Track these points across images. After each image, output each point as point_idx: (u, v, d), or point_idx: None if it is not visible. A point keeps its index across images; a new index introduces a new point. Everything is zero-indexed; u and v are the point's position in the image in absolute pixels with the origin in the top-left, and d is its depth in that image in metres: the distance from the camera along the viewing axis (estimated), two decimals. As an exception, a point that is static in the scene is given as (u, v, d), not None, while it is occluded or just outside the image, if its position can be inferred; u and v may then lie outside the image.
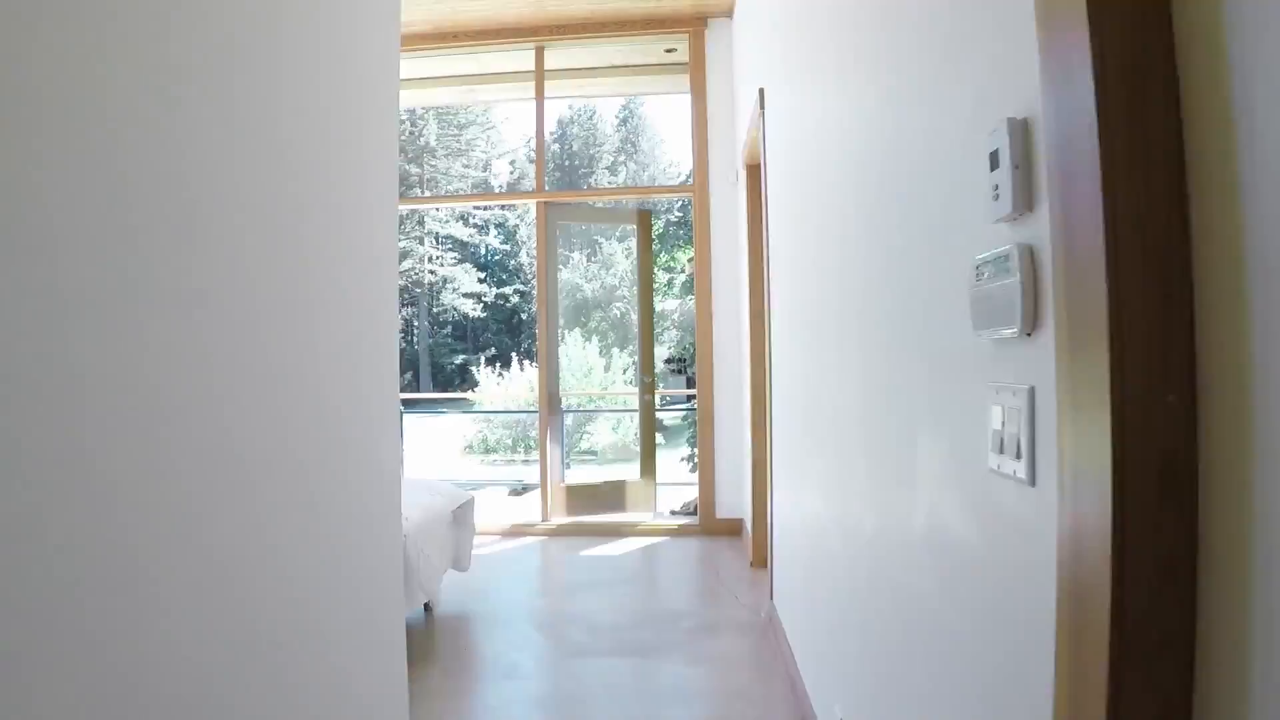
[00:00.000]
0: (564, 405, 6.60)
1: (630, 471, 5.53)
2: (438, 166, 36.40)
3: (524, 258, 33.52)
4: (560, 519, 5.13)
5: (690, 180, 5.01)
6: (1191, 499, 0.56)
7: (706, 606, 3.57)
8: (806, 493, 2.48)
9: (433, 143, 35.19)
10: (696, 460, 9.55)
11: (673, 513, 5.55)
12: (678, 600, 3.72)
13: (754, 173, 4.14)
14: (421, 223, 35.83)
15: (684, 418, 13.40)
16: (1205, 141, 0.55)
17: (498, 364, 22.59)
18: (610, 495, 5.31)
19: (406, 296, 35.94)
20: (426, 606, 3.46)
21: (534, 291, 33.03)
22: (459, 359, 32.85)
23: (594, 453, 16.46)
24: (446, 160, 36.37)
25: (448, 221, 36.28)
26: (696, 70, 4.96)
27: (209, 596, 0.99)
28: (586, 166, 32.01)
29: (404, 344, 35.93)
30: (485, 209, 36.43)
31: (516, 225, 33.93)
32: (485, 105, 29.61)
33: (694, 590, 3.87)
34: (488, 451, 19.16)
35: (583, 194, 5.30)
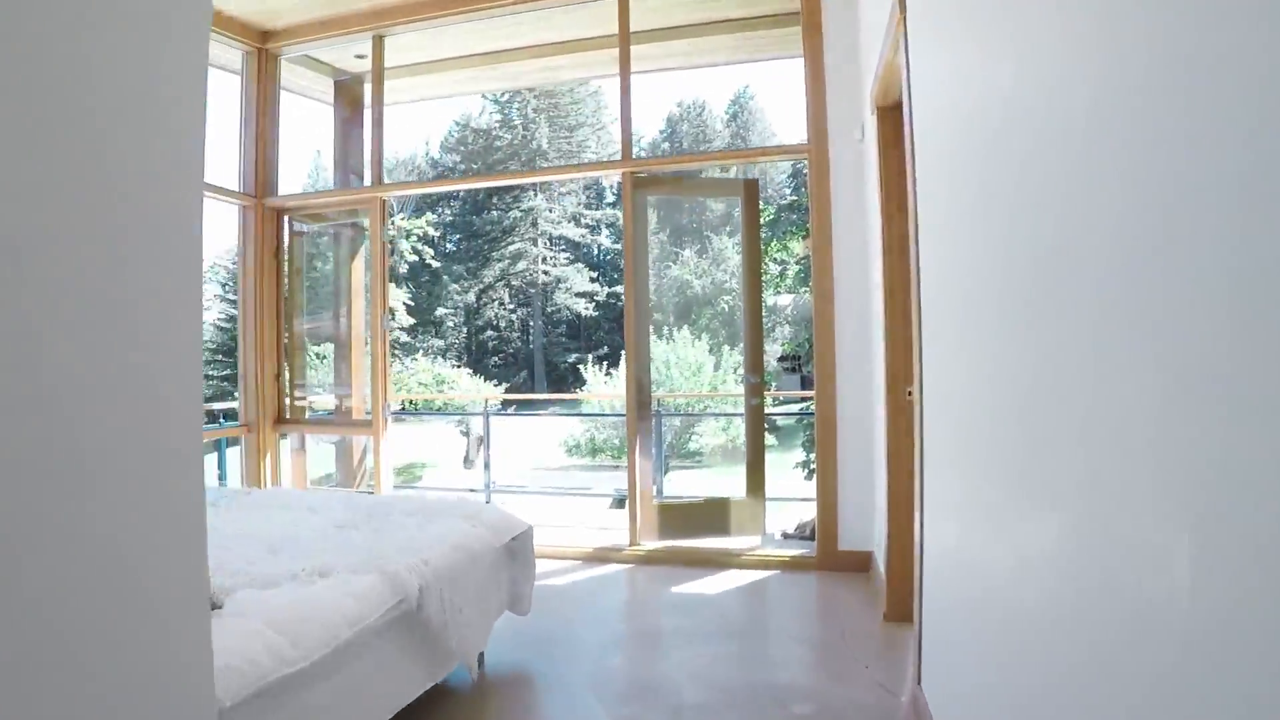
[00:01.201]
0: (661, 408, 5.88)
1: (735, 483, 4.72)
2: (550, 170, 36.68)
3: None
4: (651, 543, 4.37)
5: (806, 140, 4.12)
6: None
7: (825, 680, 2.72)
8: (1005, 538, 1.61)
9: (545, 146, 35.51)
10: (814, 469, 8.61)
11: (785, 536, 4.69)
12: (787, 668, 2.88)
13: (889, 116, 3.24)
14: (535, 224, 36.23)
15: (798, 420, 12.36)
16: None
17: (605, 363, 22.19)
18: (710, 516, 4.51)
19: (521, 297, 36.45)
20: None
21: (647, 290, 32.63)
22: (572, 357, 32.96)
23: (700, 454, 15.62)
24: (559, 162, 36.60)
25: (560, 223, 36.55)
26: (809, 2, 4.07)
27: None
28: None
29: (520, 343, 36.45)
30: (597, 209, 36.35)
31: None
32: (572, 84, 29.22)
33: (808, 653, 3.01)
34: (594, 452, 18.74)
35: (676, 160, 4.49)
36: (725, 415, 14.13)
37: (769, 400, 6.72)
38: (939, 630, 2.20)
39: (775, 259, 11.21)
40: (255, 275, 5.03)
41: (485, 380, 27.33)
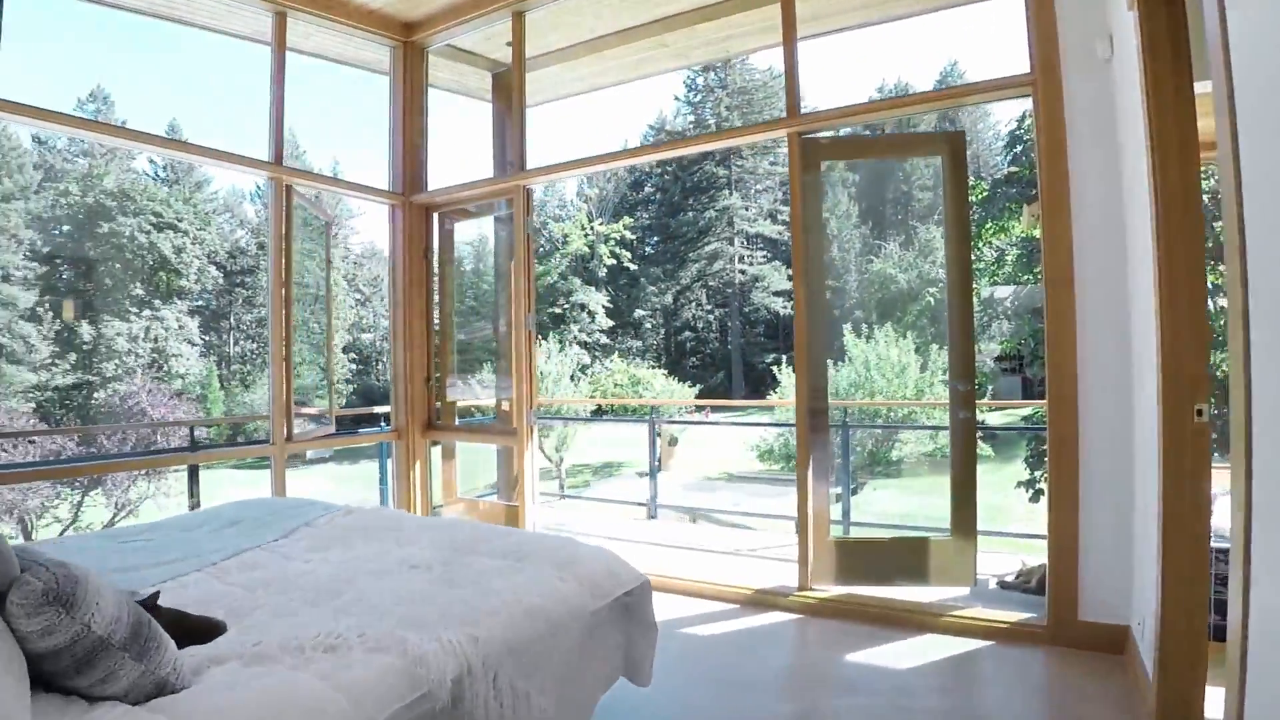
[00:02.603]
0: (849, 418, 5.01)
1: (938, 506, 3.80)
2: (745, 166, 36.08)
3: (835, 252, 31.75)
4: (825, 588, 3.56)
5: (1029, 71, 3.11)
6: None
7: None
8: None
9: (739, 142, 34.83)
10: (1040, 490, 7.18)
11: (1001, 585, 3.68)
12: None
13: (1160, 10, 2.24)
14: (731, 223, 35.72)
15: (1021, 433, 10.65)
16: None
17: (801, 364, 21.05)
18: (902, 557, 3.61)
19: (719, 298, 36.05)
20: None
21: (845, 285, 30.97)
22: (769, 358, 32.13)
23: (901, 462, 14.12)
24: (754, 160, 35.86)
25: (755, 220, 35.79)
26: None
27: None
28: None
29: (717, 344, 36.07)
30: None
31: (827, 219, 32.23)
32: (746, 54, 28.08)
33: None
34: (788, 459, 17.75)
35: (856, 111, 3.62)
36: (929, 429, 12.53)
37: (982, 407, 5.55)
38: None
39: (991, 243, 9.63)
40: (404, 275, 4.83)
41: (680, 381, 27.08)
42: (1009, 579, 3.71)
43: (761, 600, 3.59)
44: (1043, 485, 7.74)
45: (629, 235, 35.09)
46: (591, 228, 34.77)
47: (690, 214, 36.31)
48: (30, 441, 12.77)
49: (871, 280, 27.98)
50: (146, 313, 25.90)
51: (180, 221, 27.12)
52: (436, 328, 5.00)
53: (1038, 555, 3.77)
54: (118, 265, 25.83)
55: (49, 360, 23.83)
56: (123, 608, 1.38)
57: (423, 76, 4.88)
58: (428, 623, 1.68)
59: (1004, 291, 16.90)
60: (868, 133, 4.70)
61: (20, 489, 11.69)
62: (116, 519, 13.39)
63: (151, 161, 28.98)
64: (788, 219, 28.44)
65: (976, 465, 3.60)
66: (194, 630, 1.70)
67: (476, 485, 6.60)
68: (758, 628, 3.29)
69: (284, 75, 4.15)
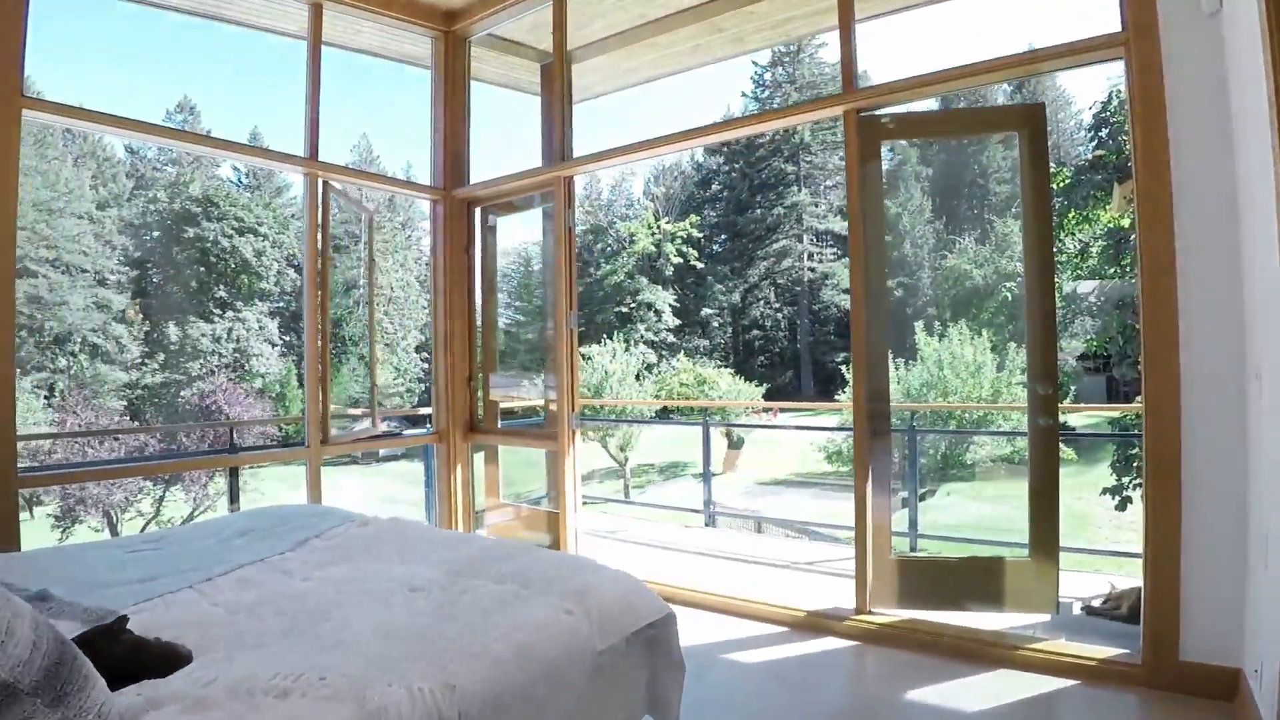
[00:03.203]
0: (913, 421, 4.63)
1: (1014, 516, 3.41)
2: (814, 162, 35.40)
3: (908, 248, 30.80)
4: (886, 612, 3.23)
5: (1121, 29, 2.72)
6: None
7: None
8: None
9: (807, 138, 34.26)
10: (1127, 498, 6.58)
11: (1087, 611, 3.29)
12: None
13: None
14: (799, 220, 35.05)
15: (1111, 441, 9.89)
16: None
17: (870, 363, 20.38)
18: (975, 579, 3.24)
19: (787, 295, 35.40)
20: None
21: (917, 282, 29.93)
22: (840, 356, 31.41)
23: (973, 465, 13.38)
24: (822, 155, 35.14)
25: (825, 217, 35.05)
26: None
27: None
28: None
29: (786, 342, 35.44)
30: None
31: (899, 214, 31.31)
32: (806, 39, 27.25)
33: None
34: (857, 461, 17.17)
35: (920, 84, 3.22)
36: (1005, 434, 11.77)
37: (1063, 410, 5.04)
38: None
39: (1074, 234, 8.89)
40: (445, 271, 4.69)
41: (747, 381, 26.64)
42: (1096, 604, 3.31)
43: (814, 623, 3.28)
44: (1131, 493, 7.10)
45: (696, 233, 34.83)
46: (658, 226, 34.64)
47: (758, 211, 35.81)
48: (115, 438, 13.33)
49: (945, 276, 26.94)
50: (229, 314, 26.93)
51: (261, 226, 28.11)
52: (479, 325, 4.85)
53: (1128, 575, 3.37)
54: (202, 269, 26.94)
55: (139, 360, 25.02)
56: (39, 645, 1.21)
57: (464, 67, 4.73)
58: (401, 664, 1.46)
59: (1087, 286, 15.92)
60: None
61: (106, 484, 12.20)
62: (195, 514, 13.86)
63: (235, 169, 30.15)
64: (856, 213, 28.09)
65: (1059, 477, 3.21)
66: (154, 661, 1.54)
67: (534, 487, 6.43)
68: (808, 656, 2.99)
69: (319, 69, 4.06)
